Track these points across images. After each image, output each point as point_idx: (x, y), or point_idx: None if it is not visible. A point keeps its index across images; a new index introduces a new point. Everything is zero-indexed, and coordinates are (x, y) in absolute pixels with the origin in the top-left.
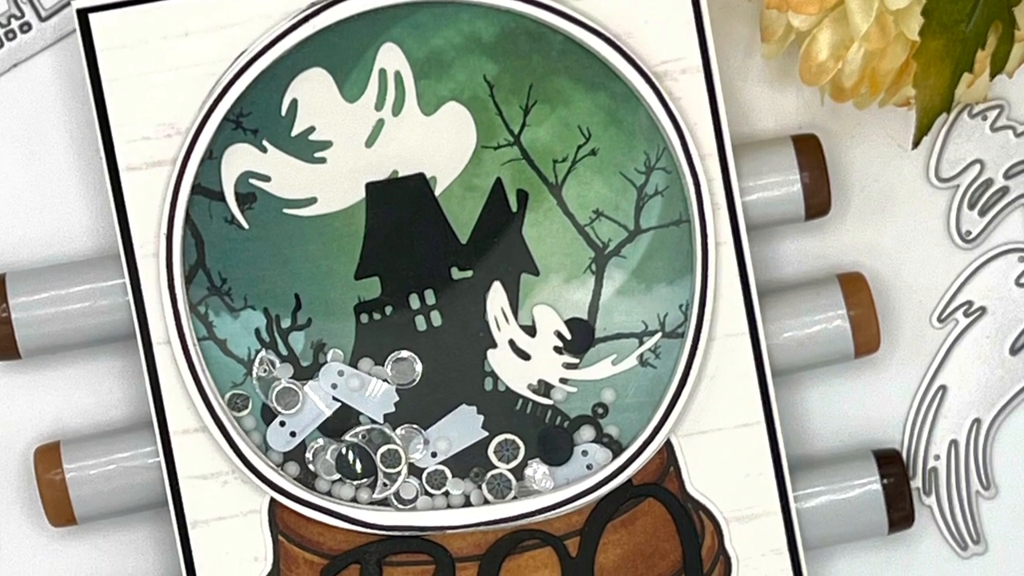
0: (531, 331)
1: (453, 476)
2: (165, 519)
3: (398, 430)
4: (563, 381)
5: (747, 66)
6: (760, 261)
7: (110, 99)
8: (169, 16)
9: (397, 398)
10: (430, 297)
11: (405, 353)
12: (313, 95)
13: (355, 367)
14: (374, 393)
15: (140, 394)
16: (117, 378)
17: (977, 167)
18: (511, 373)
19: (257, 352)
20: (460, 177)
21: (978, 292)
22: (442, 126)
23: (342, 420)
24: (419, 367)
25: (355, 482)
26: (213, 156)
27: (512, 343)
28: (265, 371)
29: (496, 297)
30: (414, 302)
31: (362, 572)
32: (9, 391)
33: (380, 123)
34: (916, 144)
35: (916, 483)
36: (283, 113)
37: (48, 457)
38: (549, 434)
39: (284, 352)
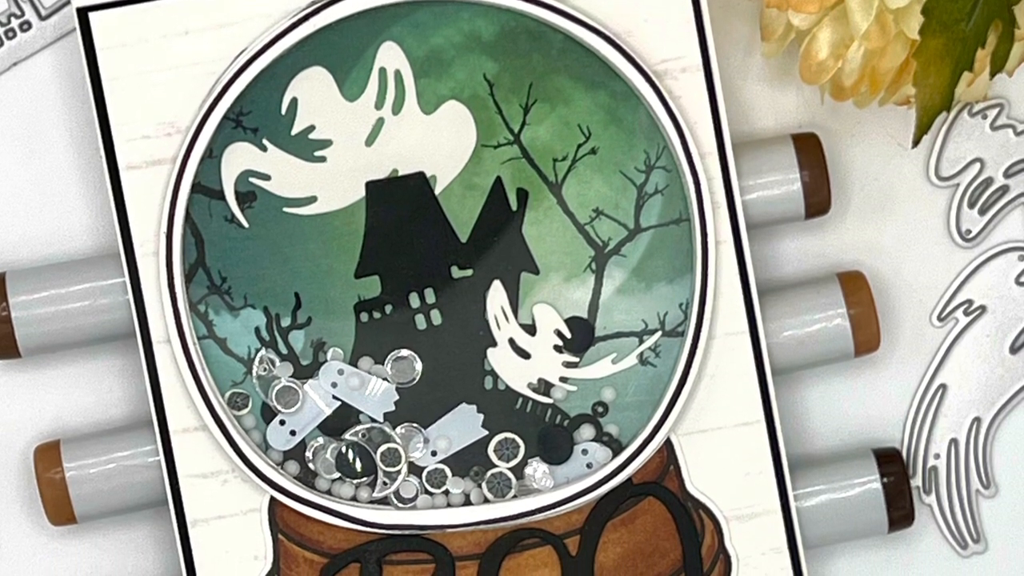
0: (531, 330)
1: (453, 475)
2: (165, 518)
3: (398, 429)
4: (563, 380)
5: (747, 65)
6: (760, 260)
7: (110, 98)
8: (169, 15)
9: (397, 397)
10: (430, 296)
11: (405, 352)
12: (313, 94)
13: (355, 366)
14: (374, 392)
15: (140, 393)
16: (117, 377)
17: (977, 166)
18: (511, 372)
19: (257, 351)
20: (460, 176)
21: (978, 291)
22: (442, 125)
23: (342, 419)
24: (419, 366)
25: (355, 481)
26: (213, 155)
27: (512, 342)
28: (265, 370)
29: (496, 296)
30: (414, 301)
31: (362, 571)
32: (9, 390)
33: (380, 122)
34: (916, 143)
35: (916, 482)
36: (283, 112)
37: (48, 456)
38: (549, 433)
39: (284, 351)
